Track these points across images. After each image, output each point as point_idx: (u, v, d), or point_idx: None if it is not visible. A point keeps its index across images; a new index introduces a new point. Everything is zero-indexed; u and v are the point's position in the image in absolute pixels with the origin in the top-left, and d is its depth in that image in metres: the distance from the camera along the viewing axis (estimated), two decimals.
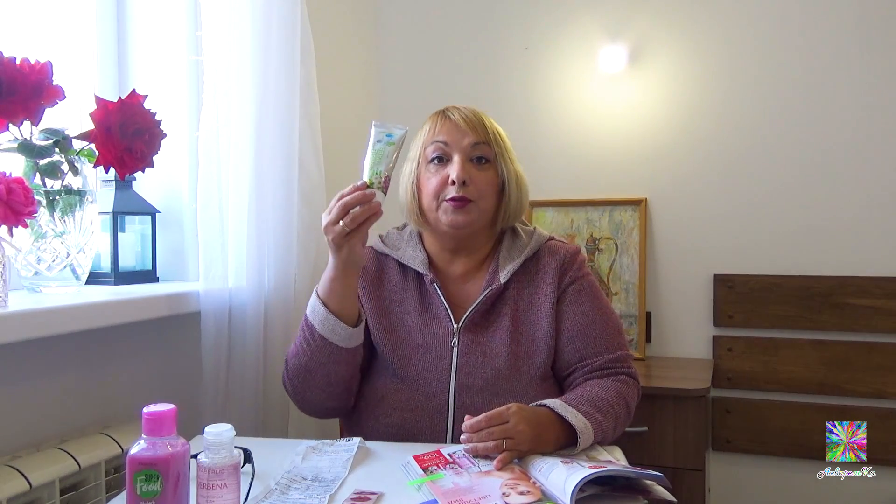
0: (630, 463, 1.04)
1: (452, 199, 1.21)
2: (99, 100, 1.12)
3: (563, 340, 1.24)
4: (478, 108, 1.29)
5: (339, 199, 1.10)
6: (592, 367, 1.23)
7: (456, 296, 1.28)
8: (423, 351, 1.23)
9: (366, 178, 1.10)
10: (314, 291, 1.20)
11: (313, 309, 1.19)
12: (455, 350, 1.22)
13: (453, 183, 1.21)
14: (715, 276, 2.01)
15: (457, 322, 1.24)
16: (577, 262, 1.29)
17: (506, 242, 1.31)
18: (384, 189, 1.10)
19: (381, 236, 1.37)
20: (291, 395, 1.27)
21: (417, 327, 1.25)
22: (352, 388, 1.25)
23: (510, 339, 1.22)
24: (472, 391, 1.19)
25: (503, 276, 1.25)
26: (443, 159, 1.25)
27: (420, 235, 1.33)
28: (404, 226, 1.37)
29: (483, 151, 1.25)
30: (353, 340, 1.19)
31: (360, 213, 1.08)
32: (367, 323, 1.26)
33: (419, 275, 1.28)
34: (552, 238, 1.33)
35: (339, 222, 1.09)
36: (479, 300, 1.24)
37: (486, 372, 1.20)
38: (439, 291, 1.25)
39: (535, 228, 1.34)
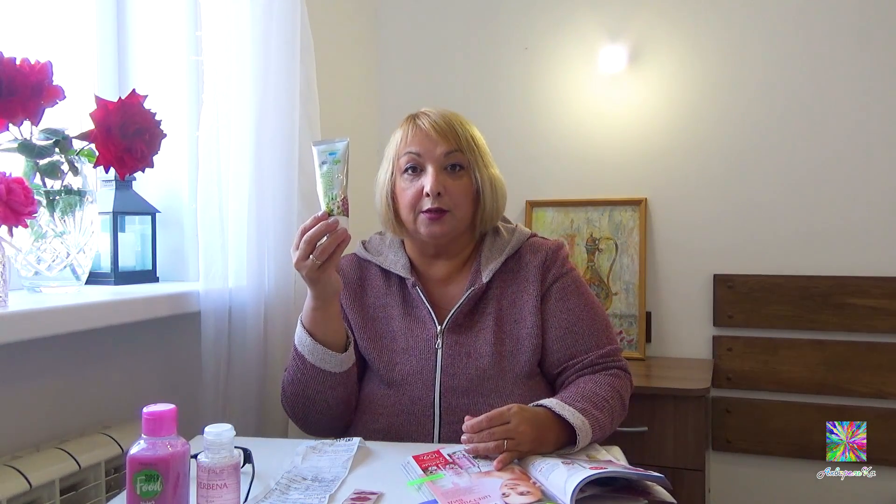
0: (630, 463, 1.04)
1: (428, 210, 1.21)
2: (99, 100, 1.11)
3: (551, 339, 1.23)
4: (449, 111, 1.27)
5: (302, 234, 1.09)
6: (584, 364, 1.22)
7: (440, 298, 1.27)
8: (408, 354, 1.23)
9: (323, 207, 1.09)
10: (299, 320, 1.20)
11: (301, 340, 1.18)
12: (439, 352, 1.21)
13: (427, 195, 1.20)
14: (715, 276, 2.01)
15: (440, 324, 1.23)
16: (559, 258, 1.28)
17: (487, 242, 1.30)
18: (345, 211, 1.09)
19: (363, 242, 1.36)
20: (292, 420, 1.27)
21: (401, 331, 1.25)
22: (351, 405, 1.25)
23: (494, 339, 1.22)
24: (458, 392, 1.19)
25: (485, 276, 1.24)
26: (416, 169, 1.23)
27: (402, 240, 1.33)
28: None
29: (456, 159, 1.23)
30: (344, 364, 1.19)
31: (328, 244, 1.08)
32: (354, 336, 1.26)
33: (402, 279, 1.28)
34: (534, 235, 1.32)
35: (308, 257, 1.09)
36: (461, 300, 1.23)
37: (471, 372, 1.19)
38: (422, 294, 1.25)
39: (516, 226, 1.33)
